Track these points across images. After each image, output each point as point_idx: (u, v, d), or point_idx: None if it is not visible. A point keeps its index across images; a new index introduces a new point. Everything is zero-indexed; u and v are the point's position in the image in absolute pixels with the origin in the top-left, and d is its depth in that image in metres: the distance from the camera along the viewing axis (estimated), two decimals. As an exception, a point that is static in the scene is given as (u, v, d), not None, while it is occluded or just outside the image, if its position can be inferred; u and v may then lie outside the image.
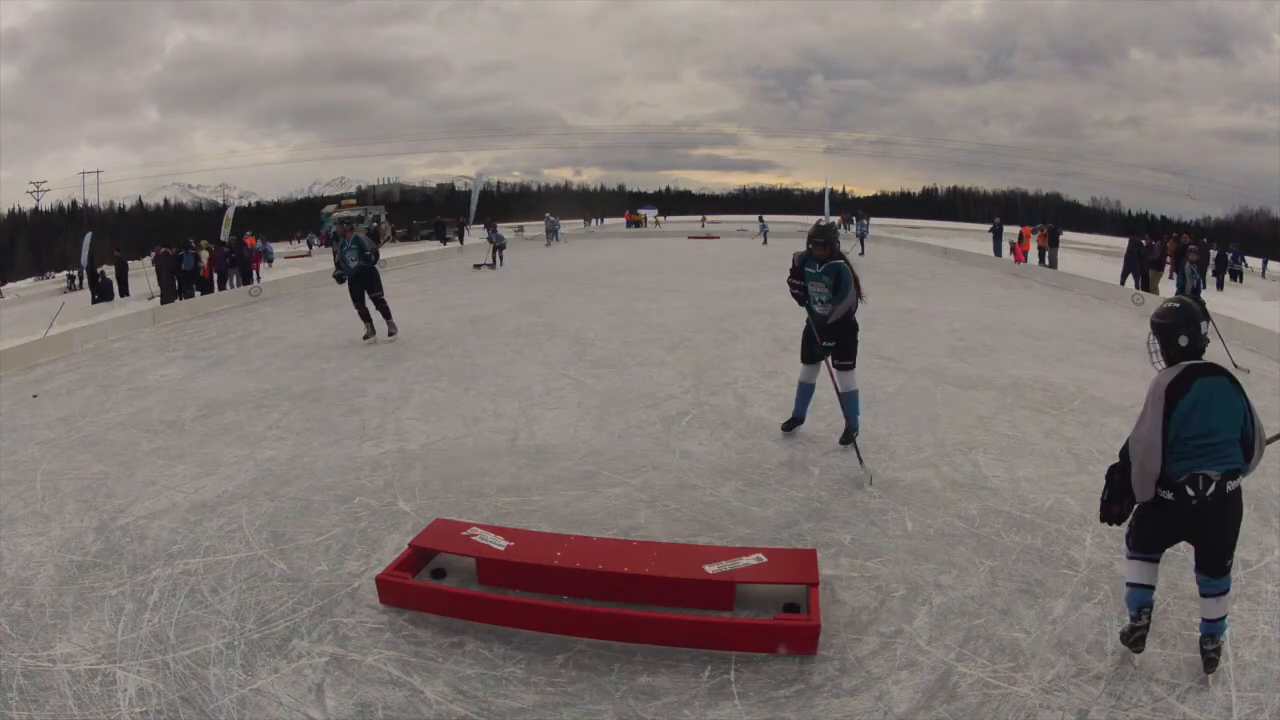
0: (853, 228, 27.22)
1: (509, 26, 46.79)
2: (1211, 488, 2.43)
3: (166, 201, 41.00)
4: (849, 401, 4.80)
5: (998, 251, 19.23)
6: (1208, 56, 34.45)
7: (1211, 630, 2.54)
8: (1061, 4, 37.22)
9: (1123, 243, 16.21)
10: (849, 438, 4.72)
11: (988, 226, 20.53)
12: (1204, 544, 2.55)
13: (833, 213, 32.15)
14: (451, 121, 47.65)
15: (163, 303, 13.11)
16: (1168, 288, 13.07)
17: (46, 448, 5.21)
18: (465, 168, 43.73)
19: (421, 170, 45.29)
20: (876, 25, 43.16)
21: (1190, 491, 2.44)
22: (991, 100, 41.47)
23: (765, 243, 25.03)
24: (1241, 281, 18.05)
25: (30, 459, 4.98)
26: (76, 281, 22.92)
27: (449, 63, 50.29)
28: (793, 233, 26.65)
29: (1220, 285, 16.00)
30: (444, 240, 26.80)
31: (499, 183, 44.06)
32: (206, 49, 41.03)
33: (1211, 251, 16.99)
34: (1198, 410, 2.45)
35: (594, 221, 36.69)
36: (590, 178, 45.98)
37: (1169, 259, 13.83)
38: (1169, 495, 2.48)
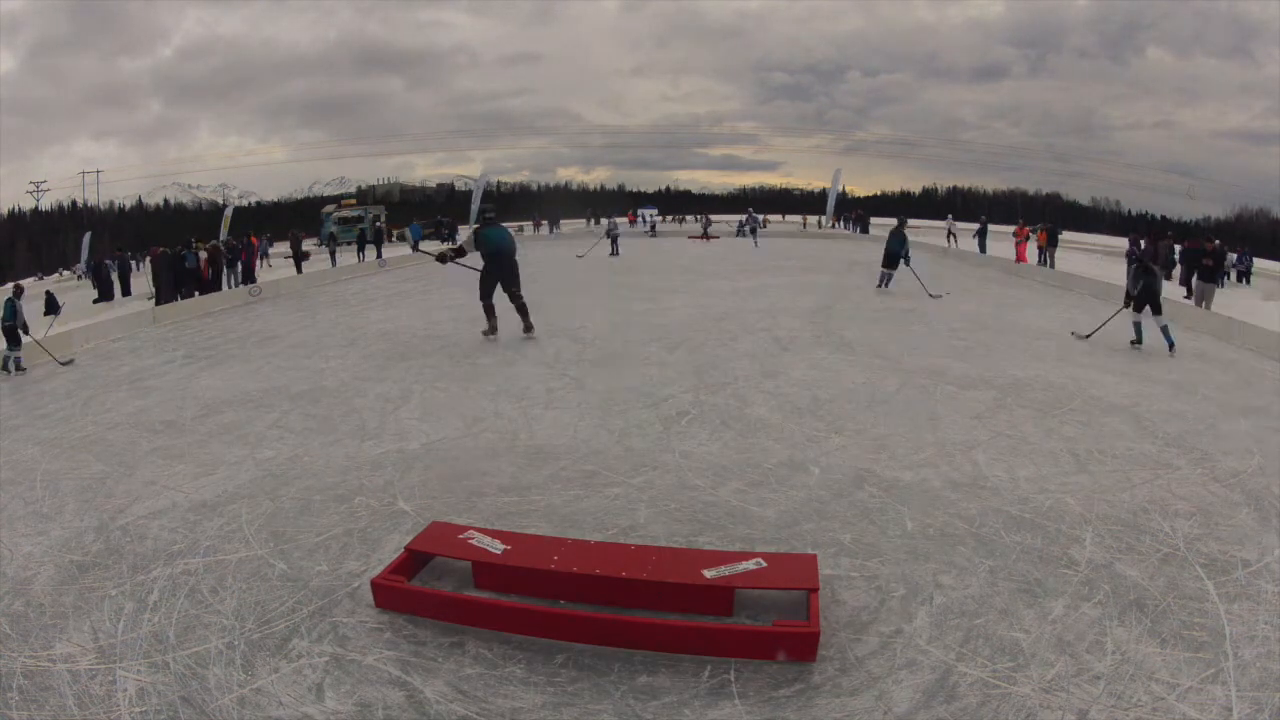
0: (852, 227, 27.23)
1: (542, 13, 45.42)
2: None
3: (166, 201, 40.87)
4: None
5: (983, 249, 19.25)
6: (1221, 57, 34.25)
7: None
8: (1080, 3, 36.99)
9: (1120, 242, 16.22)
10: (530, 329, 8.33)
11: (975, 226, 20.54)
12: None
13: (835, 213, 32.17)
14: (470, 116, 46.80)
15: (160, 303, 13.11)
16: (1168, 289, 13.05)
17: (46, 448, 5.21)
18: (475, 166, 43.06)
19: (430, 169, 44.55)
20: (901, 24, 42.51)
21: None
22: (995, 100, 41.37)
23: (864, 231, 24.03)
24: (1249, 283, 17.94)
25: (30, 459, 4.98)
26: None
27: (476, 53, 48.90)
28: (794, 233, 26.64)
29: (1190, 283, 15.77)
30: (443, 240, 26.81)
31: (499, 182, 43.65)
32: (217, 35, 40.21)
33: (1231, 254, 16.99)
34: None
35: (593, 222, 36.63)
36: (597, 177, 45.36)
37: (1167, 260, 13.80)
38: None
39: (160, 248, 15.71)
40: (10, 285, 11.41)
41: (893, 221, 13.24)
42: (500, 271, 8.25)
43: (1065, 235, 19.97)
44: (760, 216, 24.67)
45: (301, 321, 10.49)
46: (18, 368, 8.19)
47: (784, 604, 3.02)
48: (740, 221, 25.35)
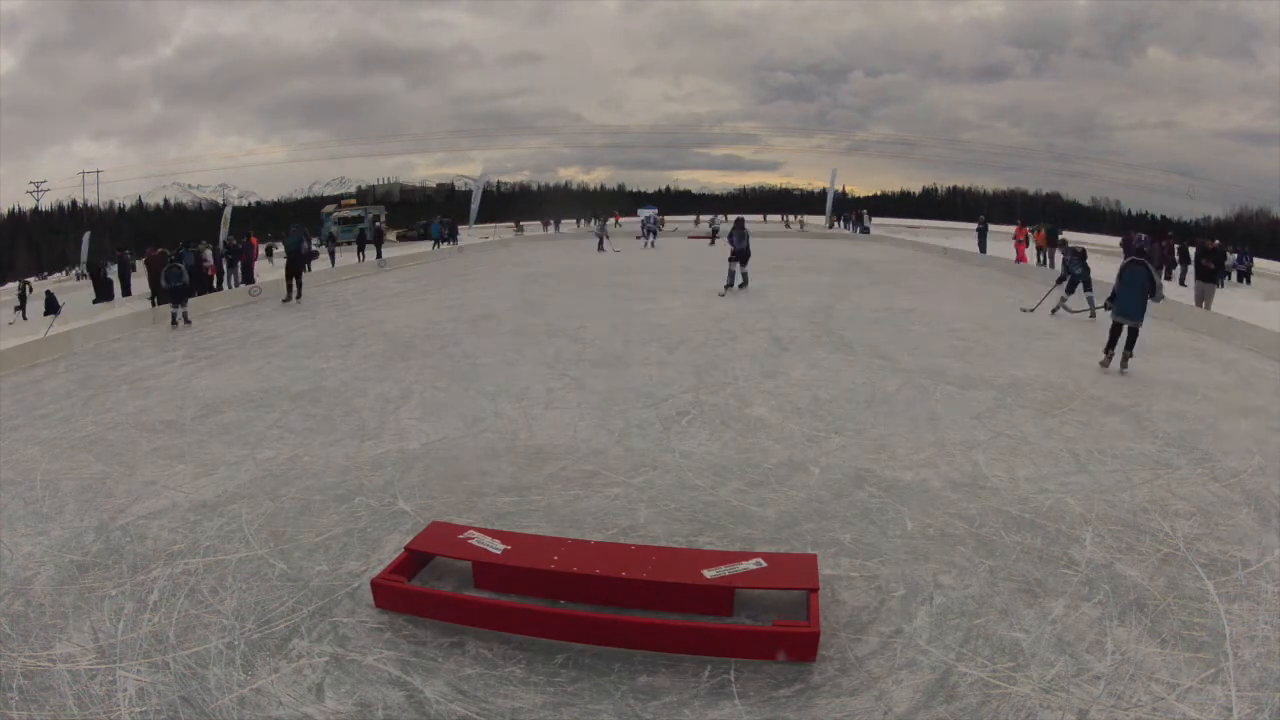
0: (851, 227, 27.28)
1: (543, 13, 44.91)
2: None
3: (166, 201, 40.81)
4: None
5: (983, 249, 19.21)
6: (1222, 57, 34.14)
7: None
8: (1081, 3, 36.87)
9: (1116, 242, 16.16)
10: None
11: (974, 225, 20.45)
12: None
13: (835, 213, 32.18)
14: (470, 116, 46.56)
15: (158, 304, 13.10)
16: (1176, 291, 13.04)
17: (46, 448, 5.21)
18: (475, 166, 42.88)
19: (430, 169, 44.36)
20: (904, 24, 42.38)
21: None
22: (996, 100, 41.32)
23: (1054, 266, 19.55)
24: (1249, 283, 17.92)
25: (30, 459, 4.98)
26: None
27: (476, 52, 48.64)
28: (788, 233, 26.62)
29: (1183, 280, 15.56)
30: (442, 240, 26.80)
31: (499, 182, 43.56)
32: (217, 35, 40.00)
33: (1231, 254, 17.00)
34: None
35: (592, 222, 36.59)
36: (597, 177, 45.17)
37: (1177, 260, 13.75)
38: None
39: (158, 249, 15.70)
40: (164, 252, 13.30)
41: (894, 222, 12.99)
42: (291, 262, 13.25)
43: (1065, 235, 19.94)
44: (657, 217, 23.74)
45: (301, 321, 10.49)
46: (185, 321, 10.45)
47: (784, 604, 3.02)
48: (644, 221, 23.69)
